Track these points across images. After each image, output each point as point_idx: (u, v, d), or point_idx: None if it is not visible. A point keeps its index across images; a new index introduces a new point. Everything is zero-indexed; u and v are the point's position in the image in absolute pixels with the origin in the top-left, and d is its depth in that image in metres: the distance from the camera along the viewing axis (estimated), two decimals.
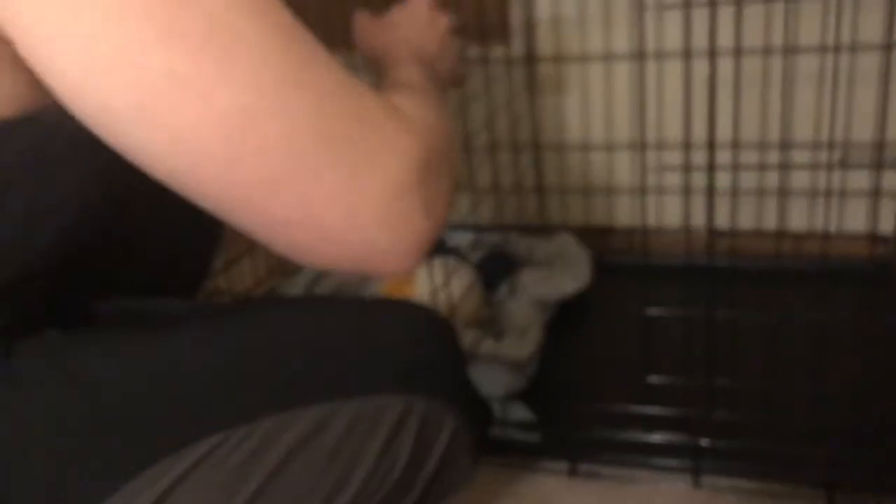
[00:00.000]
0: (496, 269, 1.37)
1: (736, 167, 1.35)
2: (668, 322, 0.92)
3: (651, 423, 0.96)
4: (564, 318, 1.30)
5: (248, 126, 0.43)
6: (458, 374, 0.66)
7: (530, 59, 1.43)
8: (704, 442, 0.93)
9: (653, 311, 0.95)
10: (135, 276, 0.64)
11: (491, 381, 1.07)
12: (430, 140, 0.51)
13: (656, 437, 0.96)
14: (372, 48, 0.81)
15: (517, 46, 1.43)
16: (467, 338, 1.14)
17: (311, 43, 0.47)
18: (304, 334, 0.57)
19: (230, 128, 0.42)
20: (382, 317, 0.61)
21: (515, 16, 1.42)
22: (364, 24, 0.83)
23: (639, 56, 1.12)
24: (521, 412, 1.05)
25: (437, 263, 1.24)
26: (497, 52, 1.35)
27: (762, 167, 1.39)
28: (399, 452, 0.58)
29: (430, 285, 1.18)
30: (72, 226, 0.52)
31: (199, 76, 0.41)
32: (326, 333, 0.57)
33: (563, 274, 1.36)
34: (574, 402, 1.07)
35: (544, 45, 1.44)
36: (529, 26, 1.38)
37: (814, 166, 1.35)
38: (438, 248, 1.35)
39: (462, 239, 1.47)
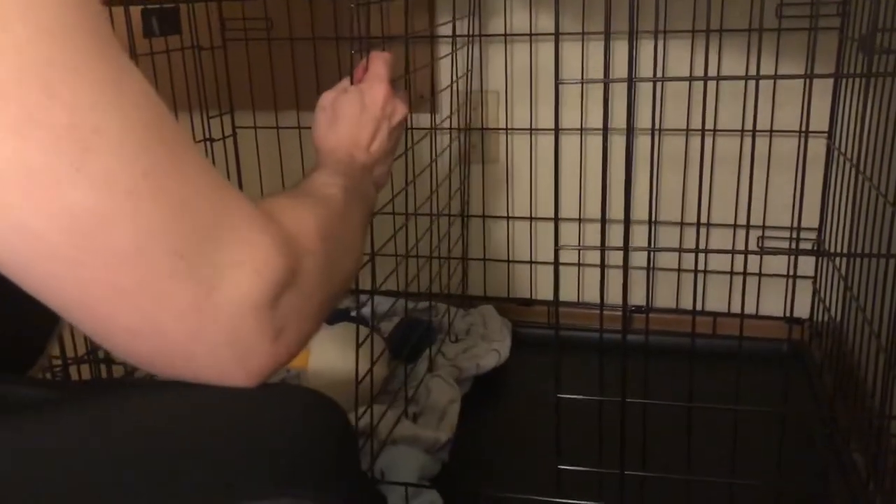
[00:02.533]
0: (414, 339, 1.32)
1: (653, 247, 1.35)
2: (582, 404, 0.89)
3: None
4: (480, 391, 1.26)
5: (97, 229, 0.40)
6: (350, 468, 0.60)
7: (458, 128, 1.42)
8: None
9: (566, 392, 0.92)
10: None
11: (406, 466, 1.02)
12: (302, 254, 0.50)
13: None
14: (317, 141, 0.82)
15: (443, 115, 1.42)
16: (380, 416, 1.09)
17: (179, 144, 0.44)
18: (165, 431, 0.51)
19: (77, 227, 0.40)
20: (261, 405, 0.55)
21: (443, 85, 1.41)
22: (319, 116, 0.84)
23: (555, 131, 1.11)
24: (432, 499, 0.99)
25: (339, 331, 1.19)
26: (423, 120, 1.34)
27: (680, 248, 1.39)
28: None
29: (328, 356, 1.13)
30: None
31: (50, 170, 0.39)
32: (194, 428, 0.51)
33: (483, 347, 1.33)
34: (484, 489, 1.03)
35: (471, 115, 1.43)
36: (458, 96, 1.37)
37: (731, 251, 1.36)
38: (342, 316, 1.30)
39: (381, 306, 1.42)
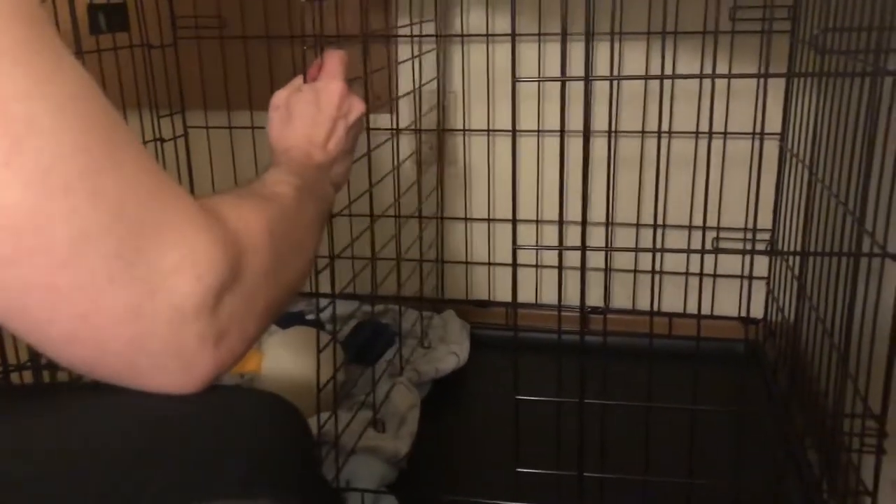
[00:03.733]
0: (372, 342, 1.30)
1: (610, 247, 1.35)
2: (540, 406, 0.88)
3: None
4: (439, 394, 1.25)
5: (31, 227, 0.39)
6: (310, 471, 0.59)
7: (419, 130, 1.40)
8: None
9: (525, 393, 0.91)
10: None
11: (367, 474, 1.00)
12: (246, 253, 0.49)
13: None
14: (272, 141, 0.80)
15: (403, 117, 1.41)
16: (341, 423, 1.07)
17: (120, 141, 0.43)
18: (122, 433, 0.49)
19: (10, 225, 0.38)
20: (221, 407, 0.53)
21: (402, 87, 1.40)
22: (273, 115, 0.82)
23: (512, 128, 1.10)
24: None
25: (293, 335, 1.17)
26: (382, 121, 1.32)
27: (636, 248, 1.40)
28: None
29: (282, 360, 1.11)
30: None
31: None
32: (153, 431, 0.49)
33: (443, 350, 1.32)
34: (443, 494, 1.01)
35: (430, 116, 1.42)
36: (417, 98, 1.36)
37: (687, 250, 1.37)
38: (296, 319, 1.28)
39: (342, 309, 1.40)
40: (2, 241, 0.38)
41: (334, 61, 0.83)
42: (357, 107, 0.83)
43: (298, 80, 0.84)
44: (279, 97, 0.83)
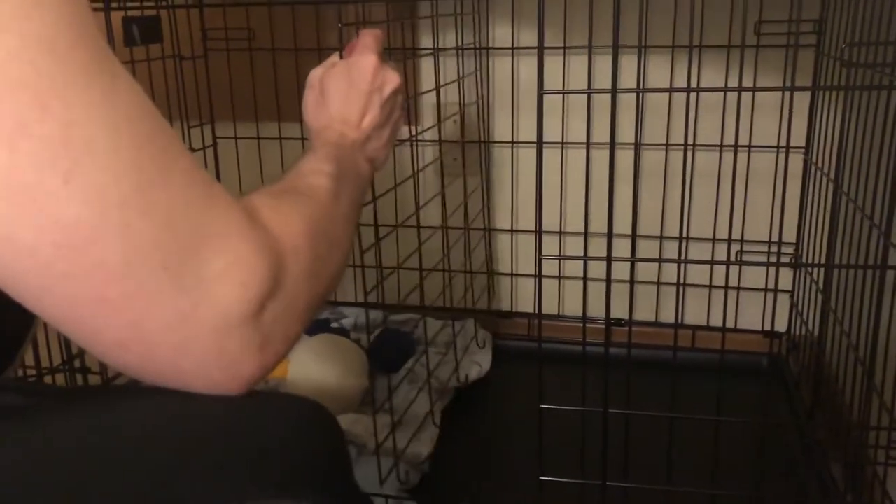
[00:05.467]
0: (395, 351, 1.31)
1: (635, 258, 1.35)
2: (563, 415, 0.89)
3: None
4: (461, 403, 1.26)
5: (87, 243, 0.40)
6: (344, 474, 0.60)
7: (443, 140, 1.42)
8: None
9: (548, 403, 0.92)
10: None
11: (389, 478, 1.01)
12: (287, 258, 0.50)
13: None
14: (306, 121, 0.79)
15: (425, 127, 1.42)
16: (360, 427, 1.08)
17: (170, 154, 0.44)
18: (161, 436, 0.50)
19: (66, 240, 0.40)
20: (256, 411, 0.54)
21: (425, 98, 1.41)
22: (307, 95, 0.81)
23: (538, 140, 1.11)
24: None
25: (318, 343, 1.18)
26: (405, 132, 1.34)
27: (660, 259, 1.40)
28: None
29: (308, 367, 1.12)
30: None
31: (41, 185, 0.38)
32: (190, 433, 0.50)
33: (464, 359, 1.32)
34: (465, 501, 1.02)
35: (454, 127, 1.43)
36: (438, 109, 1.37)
37: (711, 262, 1.37)
38: (322, 327, 1.29)
39: (363, 318, 1.41)
40: (60, 257, 0.40)
41: (368, 37, 0.82)
42: (391, 79, 0.80)
43: (334, 57, 0.83)
44: (314, 76, 0.82)
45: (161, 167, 0.43)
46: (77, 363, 1.02)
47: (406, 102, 0.86)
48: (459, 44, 1.39)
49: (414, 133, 1.25)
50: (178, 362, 0.45)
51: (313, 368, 1.15)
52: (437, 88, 1.26)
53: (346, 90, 0.79)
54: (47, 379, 1.02)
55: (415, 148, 1.19)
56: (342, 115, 0.78)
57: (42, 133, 0.38)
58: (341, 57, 0.82)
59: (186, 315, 0.44)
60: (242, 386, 0.49)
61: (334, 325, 1.35)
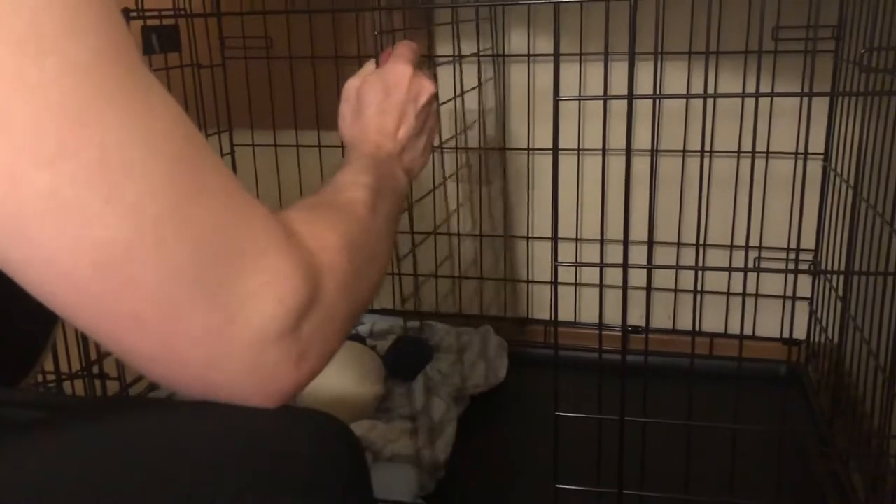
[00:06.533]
0: (411, 357, 1.31)
1: (651, 265, 1.35)
2: (579, 423, 0.88)
3: None
4: (477, 410, 1.26)
5: (124, 262, 0.40)
6: (364, 488, 0.60)
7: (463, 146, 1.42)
8: None
9: (564, 411, 0.92)
10: None
11: (402, 484, 1.01)
12: (325, 274, 0.50)
13: None
14: (343, 134, 0.79)
15: (444, 135, 1.42)
16: (375, 433, 1.08)
17: (206, 169, 0.44)
18: (183, 451, 0.50)
19: (103, 259, 0.40)
20: (276, 426, 0.54)
21: (443, 106, 1.41)
22: (343, 107, 0.81)
23: (554, 146, 1.11)
24: None
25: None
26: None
27: (677, 266, 1.39)
28: None
29: (324, 374, 1.12)
30: None
31: (80, 202, 0.39)
32: (211, 447, 0.50)
33: (480, 366, 1.32)
34: None
35: (472, 135, 1.44)
36: (463, 116, 1.38)
37: (729, 268, 1.36)
38: None
39: (379, 325, 1.42)
40: (96, 275, 0.40)
41: (404, 47, 0.82)
42: (427, 88, 0.80)
43: (370, 65, 0.83)
44: (350, 89, 0.82)
45: (196, 183, 0.43)
46: (96, 369, 1.03)
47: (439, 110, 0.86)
48: (468, 51, 1.40)
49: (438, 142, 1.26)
50: (209, 378, 0.45)
51: (329, 375, 1.15)
52: (456, 96, 1.26)
53: (382, 101, 0.79)
54: (66, 384, 1.03)
55: (437, 156, 1.20)
56: (378, 125, 0.78)
57: (83, 154, 0.38)
58: (377, 65, 0.82)
59: (221, 331, 0.44)
60: (275, 401, 0.49)
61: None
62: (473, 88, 1.41)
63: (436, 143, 1.37)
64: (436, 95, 0.82)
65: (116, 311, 0.42)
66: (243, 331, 0.44)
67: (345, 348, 1.19)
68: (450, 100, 1.35)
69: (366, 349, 1.25)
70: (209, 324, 0.43)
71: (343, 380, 1.15)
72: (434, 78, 0.84)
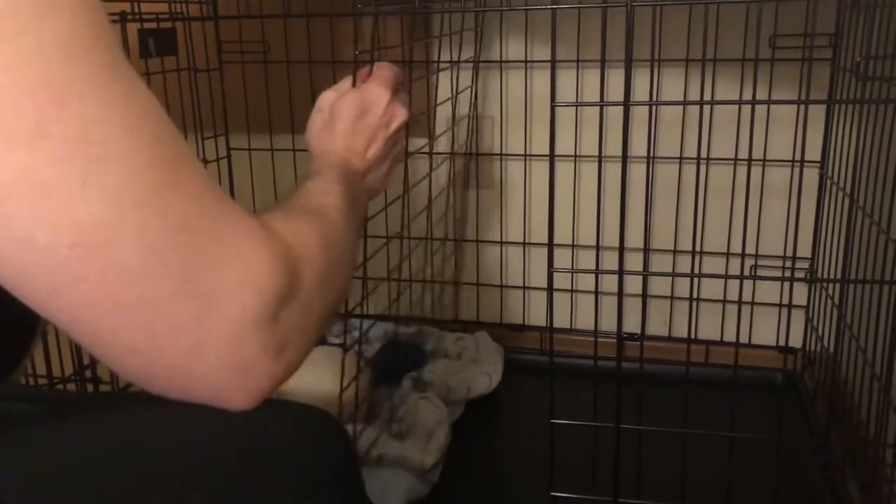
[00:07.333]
0: (400, 361, 1.31)
1: (647, 272, 1.34)
2: (574, 430, 0.88)
3: None
4: (472, 416, 1.25)
5: (103, 243, 0.40)
6: (356, 483, 0.60)
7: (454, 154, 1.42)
8: None
9: (560, 417, 0.91)
10: None
11: (392, 488, 1.00)
12: (302, 267, 0.50)
13: None
14: (309, 140, 0.81)
15: (440, 140, 1.42)
16: (367, 436, 1.07)
17: (184, 161, 0.44)
18: (170, 447, 0.50)
19: (83, 241, 0.40)
20: (267, 419, 0.54)
21: (439, 111, 1.41)
22: (315, 116, 0.82)
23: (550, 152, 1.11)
24: None
25: (317, 354, 1.18)
26: (419, 144, 1.34)
27: (673, 273, 1.39)
28: None
29: (307, 378, 1.12)
30: None
31: (59, 182, 0.38)
32: (201, 443, 0.50)
33: (475, 371, 1.32)
34: None
35: (467, 140, 1.44)
36: (453, 122, 1.38)
37: (725, 276, 1.36)
38: (319, 340, 1.28)
39: (373, 331, 1.41)
40: (75, 257, 0.40)
41: (385, 70, 0.83)
42: (399, 115, 0.82)
43: (346, 83, 0.83)
44: (324, 100, 0.83)
45: (175, 169, 0.43)
46: (88, 373, 1.02)
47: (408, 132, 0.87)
48: (458, 57, 1.40)
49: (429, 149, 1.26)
50: (188, 370, 0.45)
51: (312, 380, 1.14)
52: (453, 105, 1.26)
53: (355, 121, 0.80)
54: (58, 388, 1.02)
55: (431, 160, 1.20)
56: (348, 143, 0.79)
57: (60, 132, 0.38)
58: (354, 82, 0.83)
59: (201, 319, 0.44)
60: (253, 398, 0.48)
61: (337, 340, 1.34)
62: (464, 90, 1.41)
63: (435, 149, 1.37)
64: (406, 124, 0.83)
65: (95, 296, 0.41)
66: (224, 319, 0.44)
67: (326, 352, 1.19)
68: (446, 100, 1.35)
69: (350, 354, 1.24)
70: (189, 312, 0.43)
71: (325, 383, 1.13)
72: (409, 104, 0.85)
